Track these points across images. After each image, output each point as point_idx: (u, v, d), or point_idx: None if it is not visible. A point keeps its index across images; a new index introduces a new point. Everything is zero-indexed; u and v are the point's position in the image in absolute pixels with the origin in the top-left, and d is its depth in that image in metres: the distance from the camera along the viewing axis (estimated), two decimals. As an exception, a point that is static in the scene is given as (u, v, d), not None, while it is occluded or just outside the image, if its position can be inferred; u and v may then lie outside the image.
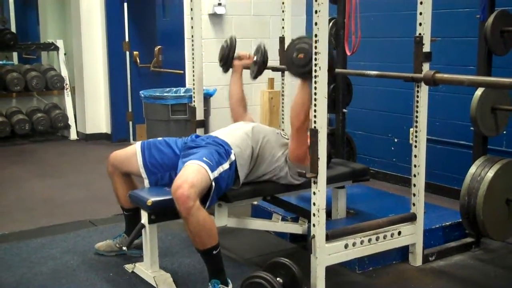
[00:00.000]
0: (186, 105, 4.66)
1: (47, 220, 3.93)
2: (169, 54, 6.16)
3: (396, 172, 4.87)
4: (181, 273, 3.01)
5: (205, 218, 2.58)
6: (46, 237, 3.53)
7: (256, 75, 3.46)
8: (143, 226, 2.84)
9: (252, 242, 3.49)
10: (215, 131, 3.16)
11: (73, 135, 7.13)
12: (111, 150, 3.23)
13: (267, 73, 5.19)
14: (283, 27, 3.79)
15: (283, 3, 3.75)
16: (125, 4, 6.57)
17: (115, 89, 6.72)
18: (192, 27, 3.54)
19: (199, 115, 3.62)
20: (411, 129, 3.01)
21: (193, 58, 3.59)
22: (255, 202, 3.58)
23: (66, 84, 7.19)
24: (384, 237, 2.93)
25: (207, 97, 4.89)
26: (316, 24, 2.45)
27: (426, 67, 2.87)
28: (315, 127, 2.49)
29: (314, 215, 2.59)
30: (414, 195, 3.05)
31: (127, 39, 6.64)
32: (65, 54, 7.32)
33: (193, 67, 3.60)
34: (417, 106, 2.95)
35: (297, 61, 2.71)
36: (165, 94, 4.98)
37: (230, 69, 3.51)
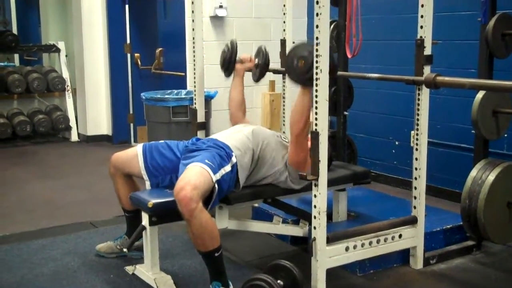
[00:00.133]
0: (187, 107, 4.67)
1: (48, 221, 3.93)
2: (170, 56, 6.17)
3: (397, 175, 4.87)
4: (182, 275, 3.01)
5: (207, 220, 2.58)
6: (47, 239, 3.54)
7: (258, 77, 3.47)
8: (144, 228, 2.84)
9: (253, 245, 3.49)
10: (215, 133, 3.16)
11: (74, 137, 7.13)
12: (112, 152, 3.23)
13: (268, 76, 5.18)
14: (284, 30, 3.79)
15: (284, 5, 3.76)
16: (127, 6, 6.58)
17: (116, 91, 6.73)
18: (193, 29, 3.54)
19: (200, 117, 3.62)
20: (412, 132, 3.01)
21: (194, 60, 3.59)
22: (256, 205, 3.58)
23: (67, 86, 7.20)
24: (385, 240, 2.93)
25: (208, 99, 4.89)
26: (317, 26, 2.45)
27: (427, 70, 2.87)
28: (316, 129, 2.49)
29: (315, 217, 2.59)
30: (415, 198, 3.05)
31: (128, 41, 6.65)
32: (66, 55, 7.33)
33: (194, 69, 3.60)
34: (418, 109, 2.95)
35: (297, 68, 2.70)
36: (166, 96, 4.99)
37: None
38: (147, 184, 3.01)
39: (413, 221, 3.05)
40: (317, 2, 2.45)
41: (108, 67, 6.73)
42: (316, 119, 2.50)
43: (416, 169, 3.02)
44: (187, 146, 3.00)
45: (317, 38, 2.46)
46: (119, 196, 3.17)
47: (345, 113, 3.80)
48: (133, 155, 3.05)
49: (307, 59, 2.65)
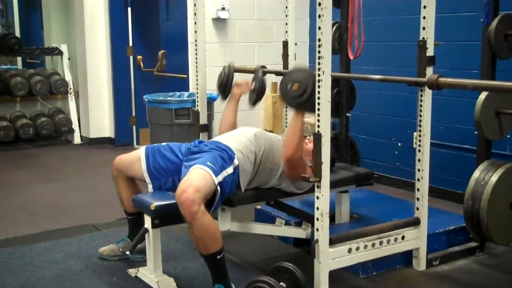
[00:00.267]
0: (189, 110, 4.67)
1: (51, 224, 3.94)
2: (172, 58, 6.17)
3: (399, 176, 4.87)
4: (185, 278, 3.01)
5: (209, 223, 2.58)
6: (50, 241, 3.54)
7: (255, 102, 3.50)
8: (146, 230, 2.84)
9: (255, 247, 3.49)
10: (218, 135, 3.16)
11: (77, 139, 7.14)
12: (115, 154, 3.24)
13: (270, 78, 5.22)
14: (286, 31, 3.79)
15: (286, 7, 3.76)
16: (129, 9, 6.60)
17: (118, 94, 6.74)
18: (195, 31, 3.55)
19: (203, 120, 3.62)
20: (415, 133, 3.01)
21: (196, 62, 3.59)
22: (259, 207, 3.58)
23: (70, 89, 7.20)
24: (388, 241, 2.93)
25: (210, 101, 4.88)
26: (319, 28, 2.45)
27: (429, 71, 2.87)
28: (318, 131, 2.49)
29: (317, 219, 2.59)
30: (418, 199, 3.04)
31: (131, 44, 6.66)
32: (69, 58, 7.34)
33: (197, 71, 3.60)
34: (420, 110, 2.95)
35: (291, 92, 2.72)
36: (168, 98, 4.99)
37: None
38: (150, 187, 3.01)
39: (416, 223, 3.04)
40: (319, 4, 2.45)
41: (110, 69, 6.74)
42: (318, 120, 2.49)
43: (418, 170, 3.01)
44: (189, 148, 3.00)
45: (319, 40, 2.45)
46: (121, 199, 3.18)
47: (348, 114, 3.80)
48: (136, 158, 3.05)
49: (301, 83, 2.67)
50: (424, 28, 2.87)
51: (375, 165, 5.01)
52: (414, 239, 3.05)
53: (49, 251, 3.39)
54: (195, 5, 3.52)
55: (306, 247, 3.30)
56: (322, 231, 2.59)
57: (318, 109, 2.49)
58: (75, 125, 7.14)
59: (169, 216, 2.80)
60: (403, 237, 2.99)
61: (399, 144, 4.88)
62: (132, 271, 3.05)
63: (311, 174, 2.57)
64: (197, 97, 3.63)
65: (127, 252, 3.12)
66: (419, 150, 2.99)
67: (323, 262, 2.63)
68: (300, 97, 2.68)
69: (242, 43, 5.61)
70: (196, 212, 2.52)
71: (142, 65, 6.59)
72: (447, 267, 3.19)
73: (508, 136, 3.62)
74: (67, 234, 3.69)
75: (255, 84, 3.48)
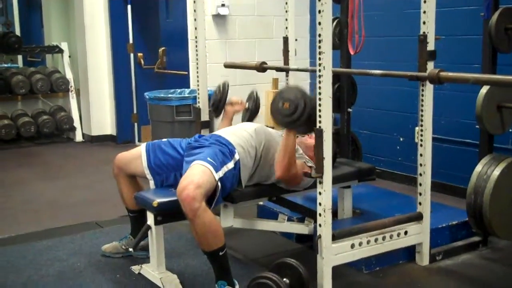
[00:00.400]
0: (190, 106, 4.67)
1: (53, 222, 3.94)
2: (173, 55, 6.17)
3: (401, 171, 4.86)
4: (188, 275, 3.01)
5: (211, 219, 2.58)
6: (52, 239, 3.54)
7: (248, 120, 3.50)
8: (149, 227, 2.84)
9: (258, 243, 3.49)
10: (218, 130, 3.16)
11: (79, 137, 7.15)
12: (116, 151, 3.24)
13: (271, 73, 5.22)
14: (286, 27, 3.78)
15: (286, 3, 3.75)
16: (129, 6, 6.59)
17: (119, 91, 6.74)
18: (195, 28, 3.54)
19: (204, 116, 3.62)
20: (417, 128, 3.01)
21: (197, 59, 3.59)
22: (261, 203, 3.58)
23: (71, 87, 7.21)
24: (391, 236, 2.93)
25: (211, 98, 4.88)
26: (320, 23, 2.45)
27: (430, 65, 2.86)
28: (320, 127, 2.49)
29: (320, 215, 2.59)
30: (420, 194, 3.04)
31: (131, 41, 6.66)
32: (69, 56, 7.35)
33: (197, 68, 3.60)
34: (422, 105, 2.95)
35: (282, 110, 2.72)
36: (169, 95, 4.99)
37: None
38: (151, 184, 3.01)
39: (418, 218, 3.04)
40: (319, -1, 2.44)
41: (111, 67, 6.74)
42: (319, 116, 2.49)
43: (421, 165, 3.01)
44: (190, 143, 3.01)
45: (319, 35, 2.45)
46: (123, 196, 3.18)
47: (349, 110, 3.79)
48: (137, 155, 3.05)
49: (292, 102, 2.68)
50: (424, 23, 2.86)
51: (377, 160, 5.00)
52: (417, 234, 3.04)
53: (52, 248, 3.40)
54: (194, 1, 3.52)
55: (309, 243, 3.31)
56: (324, 226, 2.59)
57: (320, 105, 2.48)
58: (76, 123, 7.15)
59: (171, 213, 2.80)
60: (406, 232, 2.98)
61: (401, 139, 4.88)
62: (135, 268, 3.06)
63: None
64: (198, 93, 3.63)
65: (130, 249, 3.12)
66: (421, 145, 2.99)
67: (326, 257, 2.63)
68: (290, 116, 2.69)
69: (242, 39, 5.60)
70: (198, 209, 2.52)
71: (142, 62, 6.59)
72: (450, 262, 3.19)
73: (510, 130, 3.61)
74: (70, 231, 3.70)
75: (250, 103, 3.51)
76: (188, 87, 5.45)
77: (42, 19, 8.65)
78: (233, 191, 2.86)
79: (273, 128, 3.27)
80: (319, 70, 2.47)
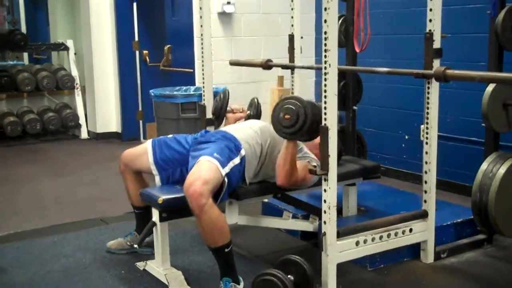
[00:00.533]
0: (196, 104, 4.66)
1: (59, 218, 3.96)
2: (178, 53, 6.17)
3: (407, 169, 4.86)
4: (192, 271, 3.02)
5: (217, 216, 2.59)
6: (58, 235, 3.56)
7: None
8: (154, 224, 2.85)
9: (263, 240, 3.50)
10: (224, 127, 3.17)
11: (84, 134, 7.17)
12: (122, 149, 3.25)
13: (276, 71, 5.22)
14: (292, 25, 3.78)
15: (292, 0, 3.74)
16: (134, 4, 6.60)
17: (125, 88, 6.75)
18: (201, 25, 3.54)
19: (209, 113, 3.62)
20: (422, 126, 3.00)
21: (202, 56, 3.59)
22: (266, 200, 3.59)
23: (77, 84, 7.23)
24: (396, 234, 2.92)
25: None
26: (325, 21, 2.45)
27: (436, 63, 2.86)
28: (325, 124, 2.49)
29: (325, 212, 2.59)
30: (426, 192, 3.04)
31: (136, 39, 6.67)
32: (75, 54, 7.36)
33: (203, 65, 3.61)
34: (428, 103, 2.94)
35: (283, 121, 2.71)
36: (175, 92, 4.99)
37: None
38: (157, 179, 3.02)
39: (423, 215, 3.04)
40: (325, -3, 2.44)
41: (116, 64, 6.75)
42: (325, 113, 2.49)
43: (426, 163, 3.00)
44: (196, 138, 3.02)
45: (325, 33, 2.45)
46: (129, 193, 3.19)
47: (354, 107, 3.79)
48: (143, 151, 3.06)
49: (292, 112, 2.66)
50: (430, 20, 2.85)
51: (382, 158, 5.00)
52: (422, 232, 3.04)
53: (58, 245, 3.41)
54: (200, -1, 3.51)
55: (314, 240, 3.31)
56: (329, 224, 2.59)
57: (325, 102, 2.48)
58: (82, 120, 7.17)
59: (176, 209, 2.81)
60: (410, 230, 2.98)
61: (406, 137, 4.87)
62: (140, 264, 3.07)
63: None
64: (204, 91, 3.63)
65: (135, 246, 3.13)
66: (427, 143, 2.98)
67: (330, 255, 2.63)
68: (291, 127, 2.68)
69: (248, 37, 5.59)
70: (204, 205, 2.53)
71: (148, 59, 6.59)
72: (455, 260, 3.18)
73: (516, 128, 3.60)
74: (75, 228, 3.72)
75: (252, 111, 3.50)
76: (194, 84, 5.45)
77: (48, 16, 8.66)
78: (238, 188, 2.86)
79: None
80: (325, 68, 2.47)
